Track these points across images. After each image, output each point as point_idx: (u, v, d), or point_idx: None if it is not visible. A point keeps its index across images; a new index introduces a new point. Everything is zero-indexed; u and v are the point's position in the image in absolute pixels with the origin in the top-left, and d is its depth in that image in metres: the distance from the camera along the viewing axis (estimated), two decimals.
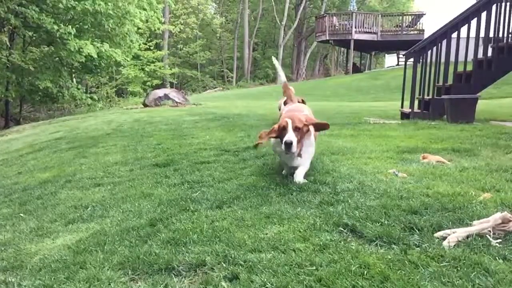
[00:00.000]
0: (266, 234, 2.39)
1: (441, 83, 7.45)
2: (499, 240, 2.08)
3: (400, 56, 29.24)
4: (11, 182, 4.88)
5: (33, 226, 3.13)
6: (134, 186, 3.82)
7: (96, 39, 18.66)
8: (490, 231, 2.12)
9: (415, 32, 25.88)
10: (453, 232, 2.13)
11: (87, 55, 16.64)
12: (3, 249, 2.73)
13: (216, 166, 4.24)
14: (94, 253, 2.39)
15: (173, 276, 2.05)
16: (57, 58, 17.63)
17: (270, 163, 4.15)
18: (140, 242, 2.47)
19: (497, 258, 1.92)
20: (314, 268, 1.94)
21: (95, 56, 17.05)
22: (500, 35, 7.00)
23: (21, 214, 3.49)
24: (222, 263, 2.09)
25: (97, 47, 17.41)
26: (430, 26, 20.38)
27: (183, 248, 2.29)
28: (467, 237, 2.11)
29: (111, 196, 3.61)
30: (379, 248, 2.10)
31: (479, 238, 2.10)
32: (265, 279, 1.88)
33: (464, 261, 1.89)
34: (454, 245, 2.04)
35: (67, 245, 2.60)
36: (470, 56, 7.08)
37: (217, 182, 3.63)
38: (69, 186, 4.24)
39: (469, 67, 7.23)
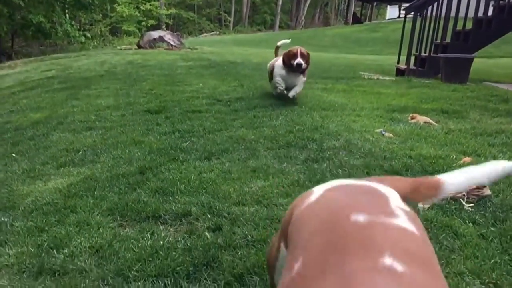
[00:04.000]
0: (251, 188, 2.47)
1: (439, 40, 7.36)
2: (471, 205, 2.18)
3: (402, 7, 28.49)
4: (3, 121, 4.88)
5: (25, 167, 3.18)
6: (125, 132, 3.86)
7: None
8: (464, 195, 2.22)
9: None
10: None
11: None
12: None
13: (208, 116, 4.27)
14: (85, 198, 2.47)
15: (160, 224, 2.14)
16: None
17: (260, 115, 4.19)
18: (129, 189, 2.56)
19: (467, 221, 2.03)
20: None
21: None
22: None
23: (13, 154, 3.54)
24: (207, 214, 2.18)
25: None
26: None
27: (170, 198, 2.38)
28: (442, 200, 2.21)
29: (102, 141, 3.65)
30: None
31: (453, 202, 2.21)
32: (247, 232, 1.98)
33: (435, 223, 2.00)
34: (428, 208, 2.14)
35: (58, 188, 2.67)
36: (471, 13, 6.95)
37: (207, 132, 3.68)
38: (61, 128, 4.25)
39: (469, 25, 7.12)
